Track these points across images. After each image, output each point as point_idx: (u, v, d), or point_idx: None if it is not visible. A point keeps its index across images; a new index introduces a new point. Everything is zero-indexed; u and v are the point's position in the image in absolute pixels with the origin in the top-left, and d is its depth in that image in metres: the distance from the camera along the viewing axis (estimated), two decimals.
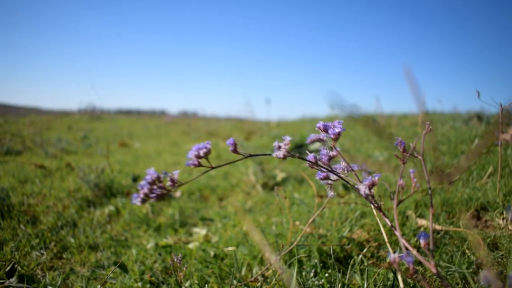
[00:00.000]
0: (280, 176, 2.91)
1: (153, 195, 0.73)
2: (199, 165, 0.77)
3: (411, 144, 0.81)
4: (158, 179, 0.74)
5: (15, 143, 4.66)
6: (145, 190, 0.73)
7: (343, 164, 0.86)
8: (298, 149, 3.55)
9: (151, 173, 0.74)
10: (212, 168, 0.77)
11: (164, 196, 0.74)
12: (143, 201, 0.73)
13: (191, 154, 0.77)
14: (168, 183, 0.75)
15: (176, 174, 0.75)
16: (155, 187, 0.73)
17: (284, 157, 0.77)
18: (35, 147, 4.60)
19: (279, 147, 0.79)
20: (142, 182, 0.73)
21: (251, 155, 0.78)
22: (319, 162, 0.83)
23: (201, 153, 0.77)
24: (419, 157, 0.80)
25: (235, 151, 0.80)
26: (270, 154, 0.79)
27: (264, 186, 2.82)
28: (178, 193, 2.74)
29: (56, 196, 2.40)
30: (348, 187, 2.29)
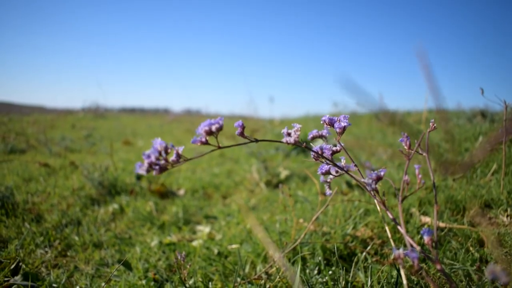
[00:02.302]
0: (283, 173, 2.91)
1: (157, 167, 0.69)
2: (206, 143, 0.72)
3: (416, 141, 0.81)
4: (165, 150, 0.70)
5: (19, 141, 4.68)
6: (152, 158, 0.68)
7: (344, 160, 0.85)
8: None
9: (158, 142, 0.69)
10: (220, 147, 0.72)
11: (168, 169, 0.70)
12: (147, 171, 0.69)
13: (201, 129, 0.72)
14: (173, 158, 0.70)
15: (181, 149, 0.71)
16: (160, 158, 0.69)
17: (295, 143, 0.75)
18: (39, 145, 4.62)
19: (289, 134, 0.77)
20: (148, 151, 0.69)
21: (257, 140, 0.74)
22: (324, 155, 0.82)
23: (213, 128, 0.72)
24: (424, 154, 0.79)
25: (242, 134, 0.76)
26: (280, 141, 0.76)
27: (268, 184, 2.82)
28: (181, 191, 2.75)
29: (60, 194, 2.41)
30: (351, 185, 2.28)
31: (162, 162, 0.70)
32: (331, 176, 0.86)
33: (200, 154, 0.74)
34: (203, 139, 0.73)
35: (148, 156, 0.69)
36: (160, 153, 0.70)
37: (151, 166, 0.69)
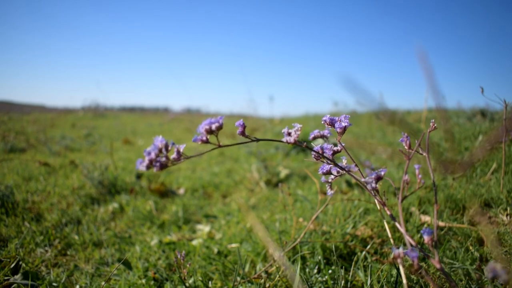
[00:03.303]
0: (283, 173, 2.91)
1: (157, 163, 0.69)
2: (207, 141, 0.73)
3: (416, 141, 0.81)
4: (166, 147, 0.70)
5: (19, 140, 4.68)
6: (152, 155, 0.69)
7: (345, 160, 0.85)
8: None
9: (159, 140, 0.70)
10: (220, 146, 0.73)
11: (168, 166, 0.71)
12: (148, 167, 0.69)
13: (202, 128, 0.73)
14: (174, 155, 0.71)
15: (182, 147, 0.71)
16: (160, 155, 0.70)
17: (295, 143, 0.75)
18: (39, 144, 4.62)
19: (289, 133, 0.77)
20: (149, 148, 0.69)
21: (258, 140, 0.75)
22: (325, 155, 0.82)
23: (213, 127, 0.73)
24: (424, 154, 0.79)
25: (243, 133, 0.76)
26: (280, 141, 0.76)
27: (268, 183, 2.82)
28: (181, 190, 2.75)
29: (60, 194, 2.41)
30: (351, 184, 2.28)
31: (163, 159, 0.70)
32: (332, 176, 0.86)
33: (200, 153, 0.74)
34: (204, 138, 0.74)
35: (149, 153, 0.70)
36: (160, 150, 0.70)
37: (151, 162, 0.70)
